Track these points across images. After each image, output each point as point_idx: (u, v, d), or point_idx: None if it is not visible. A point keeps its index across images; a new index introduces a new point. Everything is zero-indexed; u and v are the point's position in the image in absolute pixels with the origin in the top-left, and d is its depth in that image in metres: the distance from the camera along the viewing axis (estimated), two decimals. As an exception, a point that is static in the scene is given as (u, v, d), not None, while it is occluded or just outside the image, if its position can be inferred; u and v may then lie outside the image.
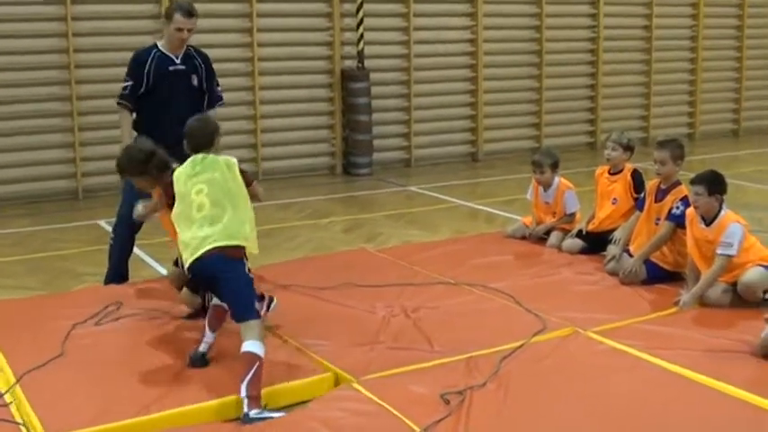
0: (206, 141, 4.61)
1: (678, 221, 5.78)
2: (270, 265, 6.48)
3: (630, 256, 6.00)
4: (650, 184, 6.17)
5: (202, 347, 4.60)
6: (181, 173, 4.58)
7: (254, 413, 3.99)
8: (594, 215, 6.78)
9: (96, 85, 10.20)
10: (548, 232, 7.01)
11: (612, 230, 6.47)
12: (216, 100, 6.35)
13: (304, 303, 5.58)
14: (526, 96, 13.21)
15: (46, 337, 4.95)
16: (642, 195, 6.26)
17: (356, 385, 4.28)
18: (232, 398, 4.14)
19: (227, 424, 4.06)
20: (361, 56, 11.57)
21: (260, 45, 11.11)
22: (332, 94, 11.70)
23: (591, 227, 6.72)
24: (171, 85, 6.07)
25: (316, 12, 11.54)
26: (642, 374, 4.41)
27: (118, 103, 6.16)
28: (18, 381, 4.36)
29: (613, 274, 6.03)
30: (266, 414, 4.02)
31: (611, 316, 5.23)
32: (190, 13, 6.02)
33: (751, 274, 5.35)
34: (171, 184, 4.63)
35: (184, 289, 5.19)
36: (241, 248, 4.42)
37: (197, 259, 4.35)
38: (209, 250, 4.33)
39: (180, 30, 6.02)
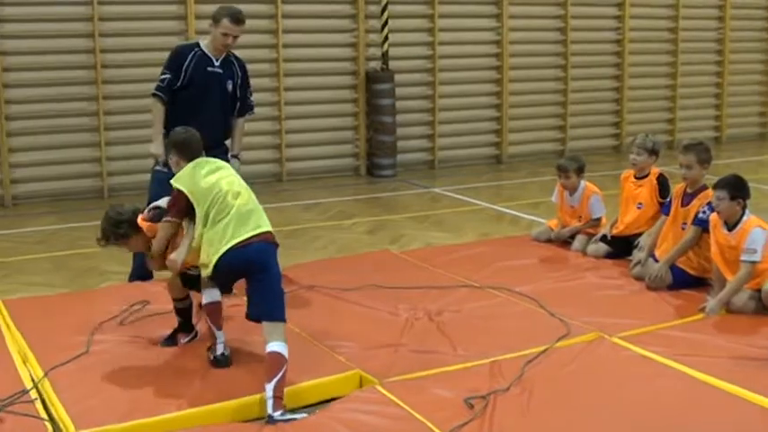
0: (199, 150, 4.66)
1: (704, 226, 5.73)
2: (293, 265, 6.49)
3: (656, 260, 5.97)
4: (676, 188, 6.13)
5: (222, 349, 4.58)
6: (194, 174, 4.47)
7: (278, 414, 4.00)
8: (618, 219, 6.74)
9: (122, 85, 10.27)
10: (573, 236, 6.98)
11: (638, 235, 6.42)
12: (247, 109, 6.30)
13: (327, 304, 5.60)
14: (551, 98, 13.13)
15: (71, 335, 4.99)
16: (668, 200, 6.22)
17: (379, 387, 4.27)
18: (254, 397, 4.16)
19: (248, 424, 4.06)
20: (385, 57, 11.57)
21: (285, 46, 11.13)
22: (356, 96, 11.71)
23: (615, 231, 6.68)
24: (206, 85, 6.01)
25: (341, 13, 11.55)
26: (667, 381, 4.38)
27: (153, 94, 6.06)
28: (44, 377, 4.40)
29: (639, 278, 6.00)
30: (290, 416, 4.02)
31: (637, 321, 5.20)
32: (239, 20, 5.95)
33: (775, 281, 5.30)
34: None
35: (174, 277, 4.83)
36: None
37: (247, 242, 4.27)
38: (265, 232, 4.35)
39: (226, 35, 5.94)
